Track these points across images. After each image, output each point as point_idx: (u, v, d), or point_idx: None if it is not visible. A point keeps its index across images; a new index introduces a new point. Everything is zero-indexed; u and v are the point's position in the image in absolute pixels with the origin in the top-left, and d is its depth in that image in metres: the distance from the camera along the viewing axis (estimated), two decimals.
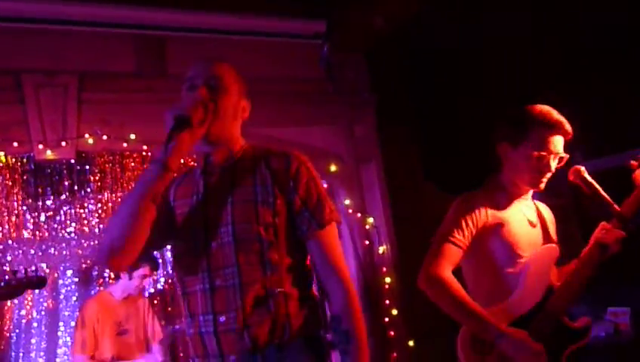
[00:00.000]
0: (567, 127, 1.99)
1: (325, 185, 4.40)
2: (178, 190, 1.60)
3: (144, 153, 3.88)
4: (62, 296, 6.19)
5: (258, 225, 1.45)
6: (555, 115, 1.99)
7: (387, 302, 4.14)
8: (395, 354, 4.06)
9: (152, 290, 5.30)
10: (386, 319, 4.11)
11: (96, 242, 5.53)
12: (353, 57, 4.50)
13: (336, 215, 1.56)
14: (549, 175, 1.99)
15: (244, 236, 1.45)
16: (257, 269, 1.44)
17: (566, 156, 2.00)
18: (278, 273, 1.46)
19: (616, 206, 1.94)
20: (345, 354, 1.46)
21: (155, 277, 5.42)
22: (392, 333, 4.10)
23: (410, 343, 4.12)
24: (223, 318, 1.43)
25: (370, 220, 4.25)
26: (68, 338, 5.83)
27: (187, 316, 1.52)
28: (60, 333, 6.01)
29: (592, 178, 2.00)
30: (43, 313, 5.98)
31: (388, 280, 4.17)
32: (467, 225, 1.98)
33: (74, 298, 6.23)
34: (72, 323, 5.95)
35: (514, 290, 1.98)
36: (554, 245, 2.08)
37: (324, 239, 1.51)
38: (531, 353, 1.85)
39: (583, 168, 1.97)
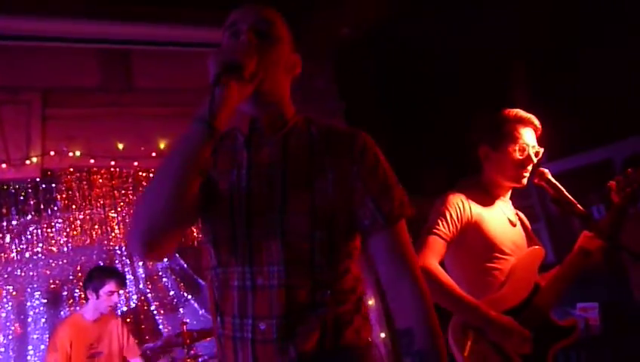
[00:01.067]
0: (537, 121, 2.15)
1: None
2: (218, 158, 1.31)
3: (112, 169, 3.83)
4: (30, 319, 6.03)
5: (312, 219, 1.19)
6: (524, 112, 2.14)
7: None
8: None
9: (124, 308, 5.21)
10: None
11: (65, 261, 5.41)
12: (321, 66, 4.53)
13: (408, 208, 1.30)
14: (530, 168, 2.09)
15: (294, 230, 1.19)
16: (307, 270, 1.19)
17: (541, 150, 2.12)
18: (330, 275, 1.22)
19: (579, 206, 2.02)
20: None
21: (127, 295, 5.32)
22: None
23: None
24: (263, 325, 1.17)
25: None
26: None
27: (219, 314, 1.26)
28: (29, 357, 5.84)
29: (556, 179, 2.07)
30: (10, 337, 5.80)
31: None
32: (452, 218, 2.05)
33: (43, 320, 6.07)
34: (42, 347, 5.79)
35: (494, 285, 2.05)
36: (540, 247, 2.18)
37: (392, 236, 1.25)
38: (519, 338, 1.93)
39: (546, 170, 2.06)
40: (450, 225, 2.05)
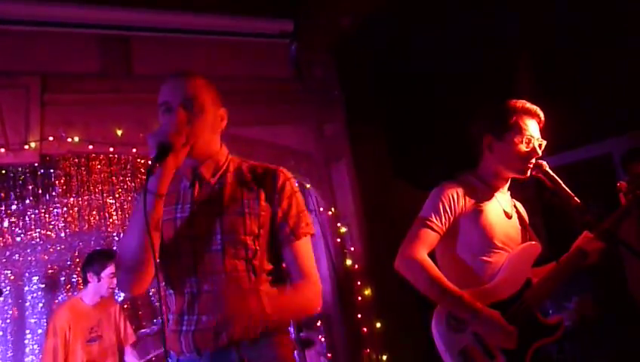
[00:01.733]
0: (541, 113, 2.13)
1: (296, 184, 4.41)
2: (168, 199, 1.63)
3: (110, 155, 3.82)
4: (28, 304, 6.05)
5: (245, 235, 1.57)
6: (530, 103, 2.13)
7: (359, 298, 4.17)
8: (367, 350, 4.10)
9: (121, 296, 5.22)
10: (359, 315, 4.14)
11: (63, 247, 5.42)
12: (321, 56, 4.51)
13: (311, 228, 1.69)
14: (534, 160, 2.07)
15: (232, 245, 1.56)
16: (243, 275, 1.57)
17: (544, 142, 2.11)
18: (259, 277, 1.60)
19: (576, 199, 2.02)
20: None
21: None
22: (365, 329, 4.14)
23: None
24: (204, 318, 1.54)
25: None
26: (35, 347, 5.70)
27: (171, 313, 1.62)
28: (26, 341, 5.87)
29: (555, 173, 2.07)
30: (8, 321, 5.83)
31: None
32: (445, 210, 2.06)
33: (40, 304, 6.09)
34: (39, 331, 5.81)
35: (485, 278, 2.06)
36: (537, 243, 2.17)
37: (298, 248, 1.64)
38: (503, 333, 1.94)
39: (544, 163, 2.05)
40: (443, 218, 2.06)
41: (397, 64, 4.70)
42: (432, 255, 2.11)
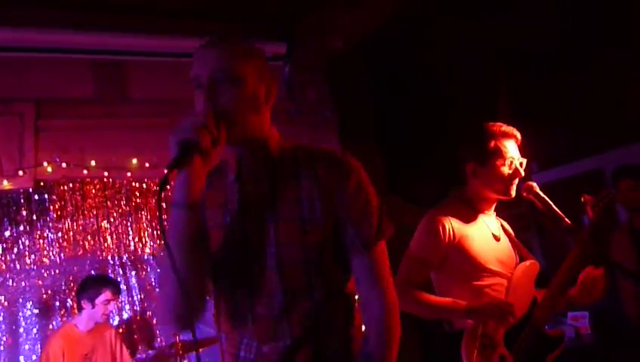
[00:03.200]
0: (517, 133, 2.18)
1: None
2: (208, 196, 1.35)
3: (105, 180, 3.82)
4: (22, 329, 5.97)
5: (305, 247, 1.28)
6: (504, 125, 2.18)
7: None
8: None
9: (117, 319, 5.18)
10: None
11: (57, 272, 5.38)
12: (314, 77, 4.55)
13: (388, 228, 1.38)
14: (517, 181, 2.12)
15: (289, 259, 1.28)
16: (304, 296, 1.29)
17: (524, 160, 2.15)
18: (324, 298, 1.30)
19: (567, 220, 2.06)
20: None
21: (120, 305, 5.30)
22: None
23: None
24: (266, 349, 1.28)
25: None
26: None
27: (225, 332, 1.36)
28: None
29: (547, 188, 2.10)
30: (2, 348, 5.75)
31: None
32: (434, 244, 2.09)
33: (34, 330, 6.02)
34: (34, 357, 5.74)
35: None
36: (534, 261, 2.20)
37: (369, 259, 1.34)
38: (502, 312, 1.97)
39: (534, 184, 2.09)
40: (433, 250, 2.09)
41: (389, 84, 4.76)
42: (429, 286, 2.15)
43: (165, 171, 1.13)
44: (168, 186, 1.16)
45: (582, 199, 2.18)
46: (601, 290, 2.10)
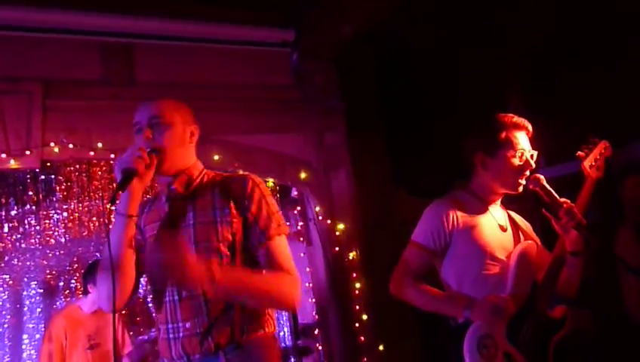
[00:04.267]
0: (529, 125, 2.15)
1: (295, 193, 4.41)
2: (147, 216, 1.79)
3: (111, 161, 3.83)
4: (26, 308, 6.05)
5: (218, 242, 1.65)
6: (516, 116, 2.15)
7: (357, 307, 4.17)
8: (365, 359, 4.09)
9: None
10: (357, 324, 4.14)
11: (62, 252, 5.42)
12: (322, 65, 4.53)
13: (284, 228, 1.75)
14: (528, 173, 2.09)
15: (206, 252, 1.63)
16: None
17: (535, 153, 2.13)
18: None
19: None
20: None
21: None
22: (362, 338, 4.13)
23: (380, 347, 4.16)
24: (188, 324, 1.62)
25: (341, 226, 4.28)
26: (33, 352, 5.69)
27: (159, 323, 1.71)
28: (24, 346, 5.87)
29: (555, 183, 2.08)
30: (6, 326, 5.83)
31: (358, 285, 4.20)
32: (437, 231, 2.08)
33: (38, 310, 6.09)
34: (37, 336, 5.81)
35: (494, 291, 2.05)
36: (530, 241, 2.17)
37: (272, 247, 1.69)
38: (501, 309, 1.96)
39: (541, 176, 2.06)
40: (435, 238, 2.08)
41: (398, 73, 4.73)
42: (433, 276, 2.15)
43: (113, 193, 1.55)
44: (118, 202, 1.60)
45: (577, 154, 2.16)
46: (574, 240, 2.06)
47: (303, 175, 4.25)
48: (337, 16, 4.14)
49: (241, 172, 1.91)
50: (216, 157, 3.86)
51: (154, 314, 1.76)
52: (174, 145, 1.70)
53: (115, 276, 1.54)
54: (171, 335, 1.65)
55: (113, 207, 1.62)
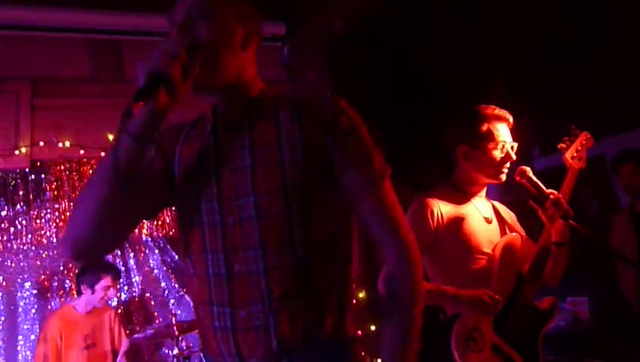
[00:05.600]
0: (509, 116, 2.16)
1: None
2: (184, 148, 1.30)
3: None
4: (20, 310, 6.00)
5: (287, 195, 1.15)
6: (497, 108, 2.15)
7: (354, 302, 4.15)
8: (359, 333, 4.07)
9: (115, 300, 5.19)
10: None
11: (56, 252, 5.37)
12: (313, 58, 4.49)
13: (387, 167, 1.27)
14: (508, 164, 2.09)
15: (269, 210, 1.16)
16: (287, 251, 1.15)
17: (516, 144, 2.13)
18: (313, 255, 1.17)
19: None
20: (386, 318, 1.22)
21: (119, 286, 5.31)
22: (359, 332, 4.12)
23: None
24: (243, 313, 1.15)
25: None
26: (28, 353, 5.65)
27: (198, 302, 1.24)
28: (19, 348, 5.82)
29: (549, 174, 2.07)
30: (0, 328, 5.78)
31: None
32: (422, 229, 2.06)
33: (33, 311, 6.04)
34: (32, 337, 5.77)
35: (482, 284, 2.05)
36: (515, 233, 2.17)
37: (379, 198, 1.22)
38: (488, 303, 1.95)
39: (528, 168, 2.06)
40: (421, 234, 2.04)
41: (390, 66, 4.70)
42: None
43: (130, 103, 1.05)
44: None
45: (558, 146, 2.17)
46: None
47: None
48: (328, 10, 4.11)
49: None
50: None
51: (190, 290, 1.28)
52: (220, 48, 1.20)
53: (96, 219, 1.12)
54: (217, 323, 1.18)
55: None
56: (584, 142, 2.21)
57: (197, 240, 1.22)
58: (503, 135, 2.11)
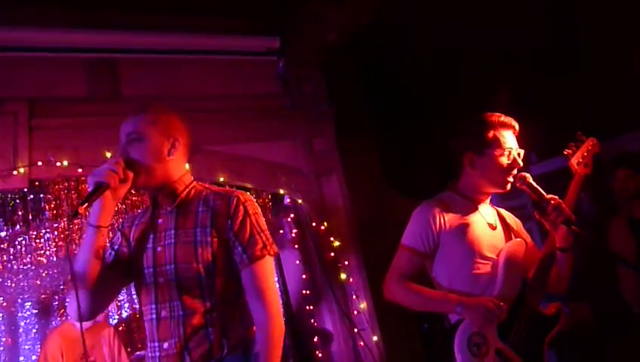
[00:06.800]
0: (516, 123, 2.16)
1: (288, 200, 4.38)
2: (135, 230, 1.78)
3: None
4: (21, 330, 5.97)
5: (198, 264, 1.63)
6: (503, 115, 2.16)
7: (355, 312, 4.15)
8: (361, 344, 4.05)
9: (116, 317, 5.18)
10: (355, 329, 4.11)
11: (55, 271, 5.36)
12: (309, 71, 4.52)
13: (270, 249, 1.71)
14: (515, 171, 2.09)
15: (185, 274, 1.63)
16: (198, 302, 1.62)
17: (522, 151, 2.14)
18: (216, 303, 1.62)
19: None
20: None
21: (119, 304, 5.29)
22: (361, 344, 4.10)
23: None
24: (165, 344, 1.62)
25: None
26: None
27: (147, 341, 1.72)
28: None
29: (546, 178, 2.08)
30: (1, 348, 5.74)
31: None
32: (425, 233, 2.09)
33: (34, 330, 6.01)
34: (34, 357, 5.74)
35: (479, 290, 2.06)
36: (519, 239, 2.17)
37: (254, 272, 1.66)
38: (494, 311, 1.96)
39: (528, 175, 2.07)
40: (424, 240, 2.09)
41: (385, 76, 4.73)
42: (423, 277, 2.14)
43: (77, 204, 1.54)
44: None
45: (564, 152, 2.17)
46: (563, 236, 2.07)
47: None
48: (322, 23, 4.14)
49: (230, 187, 1.89)
50: (207, 169, 3.84)
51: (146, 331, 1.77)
52: (149, 160, 1.67)
53: (81, 286, 1.58)
54: (150, 354, 1.66)
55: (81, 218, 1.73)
56: (590, 148, 2.21)
57: (143, 295, 1.70)
58: (509, 142, 2.11)
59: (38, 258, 4.59)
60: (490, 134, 2.10)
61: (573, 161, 2.16)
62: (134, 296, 5.35)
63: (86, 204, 1.53)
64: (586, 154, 2.18)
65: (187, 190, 1.75)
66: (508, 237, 2.19)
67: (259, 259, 1.67)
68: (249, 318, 1.70)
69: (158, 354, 1.63)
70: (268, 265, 1.70)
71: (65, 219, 3.92)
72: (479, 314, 1.96)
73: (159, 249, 1.68)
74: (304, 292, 4.20)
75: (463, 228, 2.09)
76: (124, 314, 5.45)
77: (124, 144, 1.68)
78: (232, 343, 1.62)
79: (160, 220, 1.73)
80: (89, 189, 1.57)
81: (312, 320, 4.27)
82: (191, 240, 1.65)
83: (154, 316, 1.65)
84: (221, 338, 1.60)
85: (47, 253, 4.46)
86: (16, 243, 4.47)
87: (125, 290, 5.21)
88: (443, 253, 2.10)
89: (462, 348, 1.97)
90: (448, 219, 2.09)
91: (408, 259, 2.12)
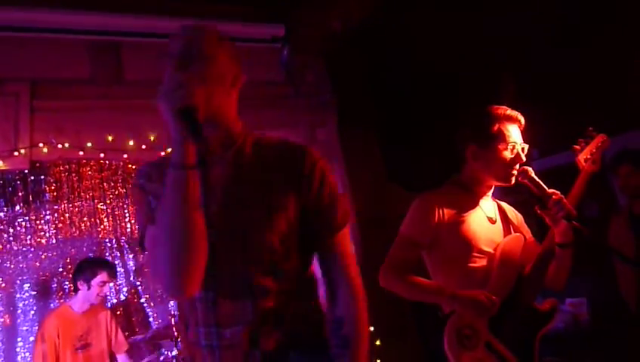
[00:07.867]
0: (521, 118, 2.15)
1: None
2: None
3: (101, 161, 3.79)
4: (19, 311, 5.99)
5: (272, 234, 1.30)
6: (509, 109, 2.14)
7: None
8: None
9: (114, 301, 5.19)
10: None
11: (55, 253, 5.37)
12: (313, 60, 4.50)
13: (350, 216, 1.44)
14: (518, 166, 2.08)
15: (255, 246, 1.29)
16: (269, 280, 1.30)
17: (526, 146, 2.12)
18: (290, 283, 1.33)
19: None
20: (338, 359, 1.36)
21: (118, 287, 5.31)
22: None
23: (377, 342, 4.14)
24: (228, 333, 1.29)
25: None
26: (27, 354, 5.65)
27: (188, 324, 1.37)
28: (18, 349, 5.81)
29: (549, 175, 2.07)
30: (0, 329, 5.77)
31: None
32: (424, 223, 2.08)
33: (32, 312, 6.04)
34: (31, 339, 5.76)
35: (476, 284, 2.06)
36: (517, 234, 2.17)
37: (336, 243, 1.40)
38: (485, 304, 1.96)
39: (530, 169, 2.06)
40: (423, 230, 2.08)
41: (389, 67, 4.70)
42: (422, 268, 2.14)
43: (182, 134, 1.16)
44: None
45: (573, 147, 2.16)
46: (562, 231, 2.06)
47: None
48: (327, 11, 4.12)
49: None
50: None
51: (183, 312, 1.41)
52: (214, 86, 1.29)
53: (186, 249, 1.19)
54: (204, 342, 1.31)
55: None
56: (599, 144, 2.17)
57: None
58: (514, 136, 2.09)
59: (38, 239, 4.60)
60: (495, 127, 2.09)
61: (581, 157, 2.13)
62: (131, 279, 5.37)
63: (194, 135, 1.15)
64: (595, 150, 2.15)
65: (244, 135, 1.40)
66: (507, 232, 2.19)
67: (341, 227, 1.40)
68: (319, 300, 1.44)
69: (216, 342, 1.29)
70: (348, 234, 1.43)
71: (65, 201, 3.91)
72: (470, 307, 1.96)
73: (216, 209, 1.29)
74: None
75: (461, 221, 2.08)
76: (122, 298, 5.47)
77: (182, 58, 1.28)
78: (305, 331, 1.35)
79: (213, 171, 1.33)
80: (166, 116, 1.17)
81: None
82: (263, 203, 1.30)
83: (211, 297, 1.29)
84: (294, 326, 1.32)
85: (47, 234, 4.47)
86: (16, 224, 4.48)
87: (124, 272, 5.23)
88: (440, 245, 2.10)
89: (451, 339, 1.97)
90: (447, 211, 2.09)
91: (405, 248, 2.11)
